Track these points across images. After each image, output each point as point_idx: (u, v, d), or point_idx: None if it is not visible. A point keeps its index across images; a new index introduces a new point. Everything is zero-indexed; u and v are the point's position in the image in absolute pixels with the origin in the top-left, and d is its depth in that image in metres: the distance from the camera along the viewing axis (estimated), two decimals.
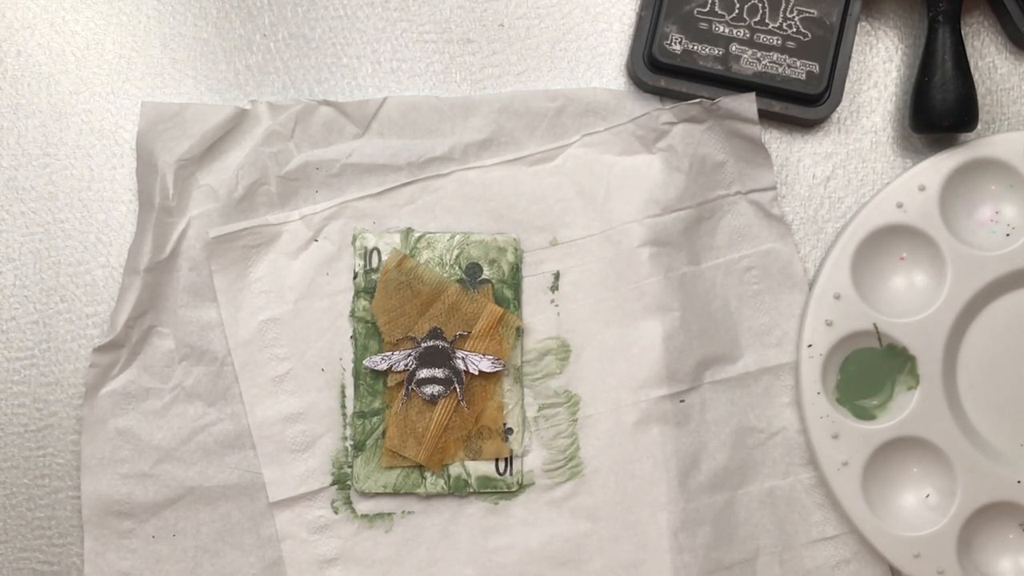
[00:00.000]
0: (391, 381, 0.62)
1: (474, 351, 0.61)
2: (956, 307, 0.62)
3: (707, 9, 0.62)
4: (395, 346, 0.62)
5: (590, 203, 0.63)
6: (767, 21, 0.62)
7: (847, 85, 0.65)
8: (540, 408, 0.62)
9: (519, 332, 0.62)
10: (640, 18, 0.63)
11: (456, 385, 0.61)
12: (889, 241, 0.63)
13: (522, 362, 0.62)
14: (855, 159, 0.65)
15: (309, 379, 0.62)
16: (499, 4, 0.65)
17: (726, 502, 0.62)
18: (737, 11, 0.62)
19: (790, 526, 0.63)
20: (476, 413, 0.62)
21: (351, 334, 0.62)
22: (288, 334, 0.62)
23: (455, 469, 0.62)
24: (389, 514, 0.62)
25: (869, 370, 0.62)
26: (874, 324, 0.62)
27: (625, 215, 0.62)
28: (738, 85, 0.63)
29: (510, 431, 0.62)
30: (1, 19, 0.64)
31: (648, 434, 0.62)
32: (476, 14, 0.65)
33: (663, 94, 0.64)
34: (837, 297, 0.62)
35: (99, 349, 0.61)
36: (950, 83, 0.61)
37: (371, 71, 0.65)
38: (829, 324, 0.62)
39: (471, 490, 0.62)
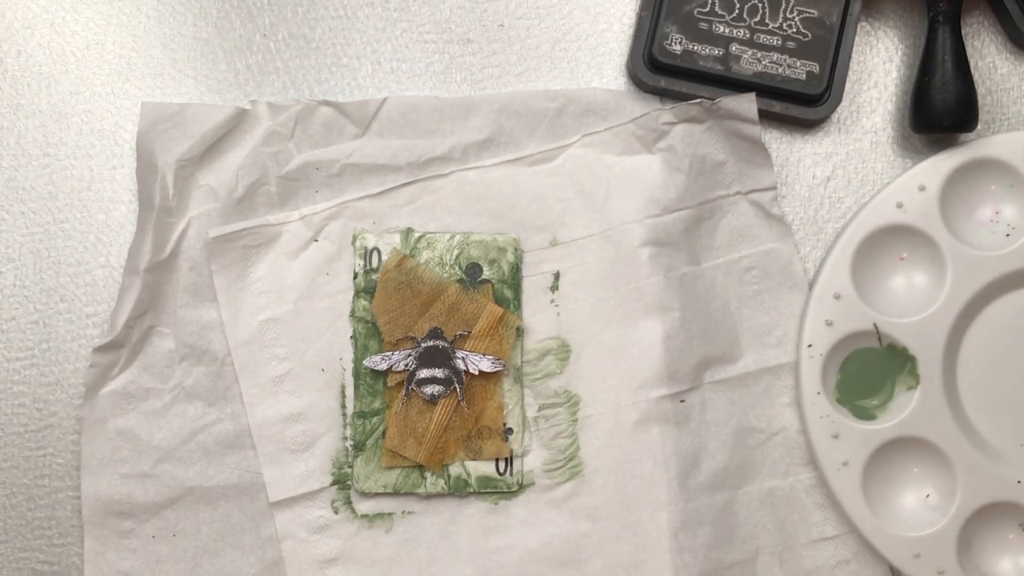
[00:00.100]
0: (391, 381, 0.62)
1: (474, 351, 0.61)
2: (956, 307, 0.62)
3: (707, 9, 0.62)
4: (395, 346, 0.62)
5: (590, 203, 0.63)
6: (767, 21, 0.63)
7: (847, 85, 0.65)
8: (540, 408, 0.62)
9: (519, 332, 0.62)
10: (640, 18, 0.63)
11: (456, 385, 0.61)
12: (889, 241, 0.63)
13: (522, 362, 0.62)
14: (855, 159, 0.65)
15: (309, 379, 0.62)
16: (499, 4, 0.65)
17: (726, 502, 0.62)
18: (737, 11, 0.62)
19: (790, 526, 0.63)
20: (476, 413, 0.62)
21: (351, 334, 0.62)
22: (288, 334, 0.62)
23: (455, 469, 0.62)
24: (389, 514, 0.62)
25: (869, 370, 0.62)
26: (874, 324, 0.62)
27: (625, 215, 0.62)
28: (738, 85, 0.63)
29: (510, 431, 0.62)
30: (1, 19, 0.64)
31: (648, 434, 0.62)
32: (476, 14, 0.65)
33: (663, 94, 0.64)
34: (837, 297, 0.62)
35: (99, 349, 0.61)
36: (950, 83, 0.61)
37: (371, 71, 0.65)
38: (829, 324, 0.62)
39: (471, 490, 0.62)
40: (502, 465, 0.62)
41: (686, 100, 0.63)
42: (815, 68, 0.62)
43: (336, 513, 0.62)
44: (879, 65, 0.65)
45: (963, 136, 0.64)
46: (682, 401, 0.62)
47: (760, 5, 0.63)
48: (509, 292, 0.62)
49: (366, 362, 0.61)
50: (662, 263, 0.62)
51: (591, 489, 0.62)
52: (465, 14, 0.65)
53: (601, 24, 0.65)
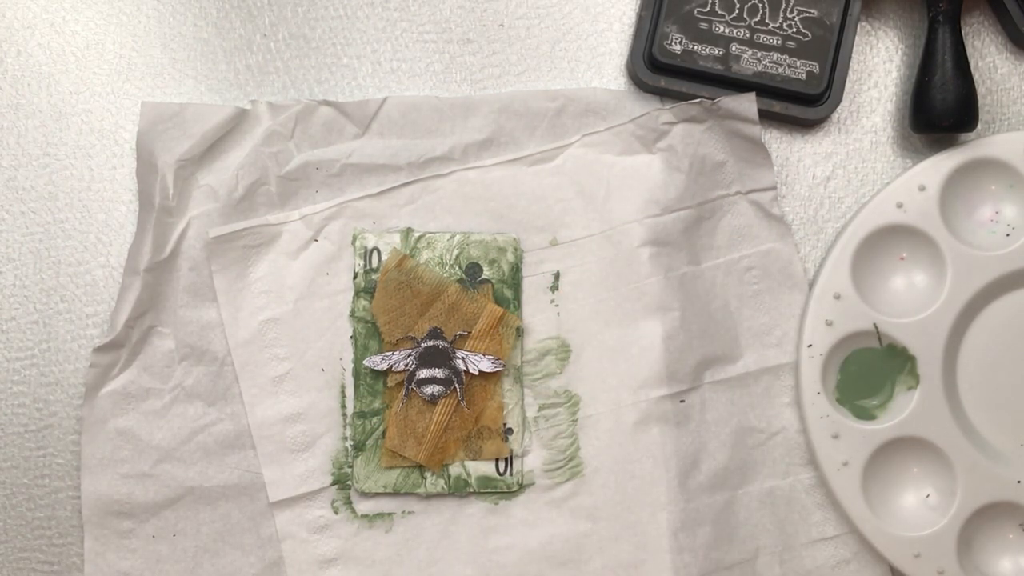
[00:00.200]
0: (391, 381, 0.62)
1: (474, 351, 0.61)
2: (956, 307, 0.62)
3: (707, 9, 0.62)
4: (395, 346, 0.62)
5: (590, 203, 0.63)
6: (767, 21, 0.63)
7: (847, 85, 0.65)
8: (540, 408, 0.62)
9: (519, 332, 0.62)
10: (640, 18, 0.63)
11: (456, 385, 0.61)
12: (889, 241, 0.63)
13: (522, 362, 0.62)
14: (855, 159, 0.65)
15: (309, 379, 0.62)
16: (499, 4, 0.65)
17: (726, 502, 0.62)
18: (737, 11, 0.62)
19: (790, 526, 0.63)
20: (476, 413, 0.62)
21: (351, 334, 0.62)
22: (288, 334, 0.62)
23: (455, 469, 0.62)
24: (389, 514, 0.62)
25: (869, 370, 0.62)
26: (874, 324, 0.62)
27: (625, 215, 0.62)
28: (738, 85, 0.63)
29: (510, 431, 0.62)
30: (1, 19, 0.64)
31: (648, 434, 0.62)
32: (476, 14, 0.65)
33: (663, 94, 0.64)
34: (837, 297, 0.62)
35: (99, 349, 0.61)
36: (950, 83, 0.61)
37: (371, 71, 0.65)
38: (829, 324, 0.62)
39: (471, 490, 0.62)
40: (502, 465, 0.62)
41: (686, 100, 0.63)
42: (815, 68, 0.62)
43: (336, 513, 0.62)
44: (879, 65, 0.65)
45: (963, 136, 0.64)
46: (682, 401, 0.62)
47: (760, 5, 0.63)
48: (509, 292, 0.62)
49: (366, 362, 0.61)
50: (662, 263, 0.62)
51: (591, 489, 0.62)
52: (465, 14, 0.65)
53: (601, 24, 0.65)
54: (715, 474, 0.62)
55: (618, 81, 0.65)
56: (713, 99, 0.62)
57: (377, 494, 0.62)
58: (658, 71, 0.63)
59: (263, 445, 0.62)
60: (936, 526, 0.61)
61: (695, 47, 0.62)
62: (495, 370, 0.61)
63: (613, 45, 0.65)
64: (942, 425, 0.62)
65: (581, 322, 0.63)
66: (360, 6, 0.65)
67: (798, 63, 0.62)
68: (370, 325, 0.62)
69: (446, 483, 0.62)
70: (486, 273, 0.62)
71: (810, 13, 0.63)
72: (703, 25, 0.62)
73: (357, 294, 0.62)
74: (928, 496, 0.62)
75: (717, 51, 0.62)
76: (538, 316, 0.63)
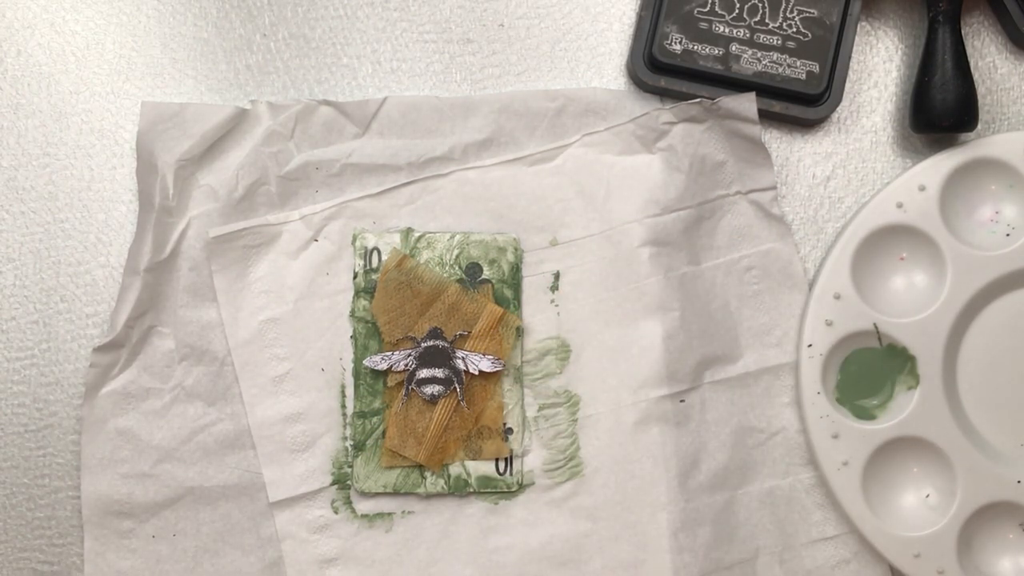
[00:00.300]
0: (391, 381, 0.62)
1: (474, 351, 0.61)
2: (956, 307, 0.62)
3: (707, 9, 0.62)
4: (395, 346, 0.62)
5: (590, 203, 0.63)
6: (767, 21, 0.63)
7: (847, 85, 0.65)
8: (540, 408, 0.62)
9: (519, 332, 0.62)
10: (640, 18, 0.63)
11: (456, 385, 0.61)
12: (889, 241, 0.63)
13: (522, 362, 0.62)
14: (855, 159, 0.65)
15: (309, 379, 0.62)
16: (499, 4, 0.65)
17: (726, 502, 0.62)
18: (737, 11, 0.62)
19: (790, 526, 0.63)
20: (476, 413, 0.62)
21: (351, 334, 0.62)
22: (288, 334, 0.62)
23: (455, 469, 0.62)
24: (389, 514, 0.62)
25: (869, 370, 0.62)
26: (874, 324, 0.62)
27: (625, 215, 0.62)
28: (738, 85, 0.63)
29: (510, 431, 0.62)
30: (1, 19, 0.64)
31: (648, 434, 0.62)
32: (476, 14, 0.65)
33: (663, 94, 0.64)
34: (837, 297, 0.62)
35: (99, 349, 0.61)
36: (950, 83, 0.61)
37: (371, 71, 0.65)
38: (829, 324, 0.62)
39: (471, 490, 0.62)
40: (502, 465, 0.62)
41: (686, 100, 0.63)
42: (815, 68, 0.62)
43: (336, 513, 0.62)
44: (879, 65, 0.65)
45: (963, 136, 0.64)
46: (682, 401, 0.62)
47: (760, 5, 0.63)
48: (509, 292, 0.62)
49: (366, 362, 0.61)
50: (662, 263, 0.62)
51: (591, 489, 0.62)
52: (465, 14, 0.65)
53: (601, 24, 0.65)
54: (715, 474, 0.62)
55: (618, 81, 0.65)
56: (713, 99, 0.62)
57: (377, 494, 0.62)
58: (658, 71, 0.63)
59: (263, 445, 0.62)
60: (936, 526, 0.61)
61: (695, 47, 0.62)
62: (495, 370, 0.61)
63: (613, 45, 0.65)
64: (942, 425, 0.62)
65: (581, 322, 0.63)
66: (360, 6, 0.65)
67: (798, 63, 0.62)
68: (370, 325, 0.62)
69: (446, 483, 0.62)
70: (486, 273, 0.62)
71: (810, 13, 0.63)
72: (703, 25, 0.62)
73: (357, 294, 0.62)
74: (928, 496, 0.62)
75: (717, 51, 0.62)
76: (538, 316, 0.63)
